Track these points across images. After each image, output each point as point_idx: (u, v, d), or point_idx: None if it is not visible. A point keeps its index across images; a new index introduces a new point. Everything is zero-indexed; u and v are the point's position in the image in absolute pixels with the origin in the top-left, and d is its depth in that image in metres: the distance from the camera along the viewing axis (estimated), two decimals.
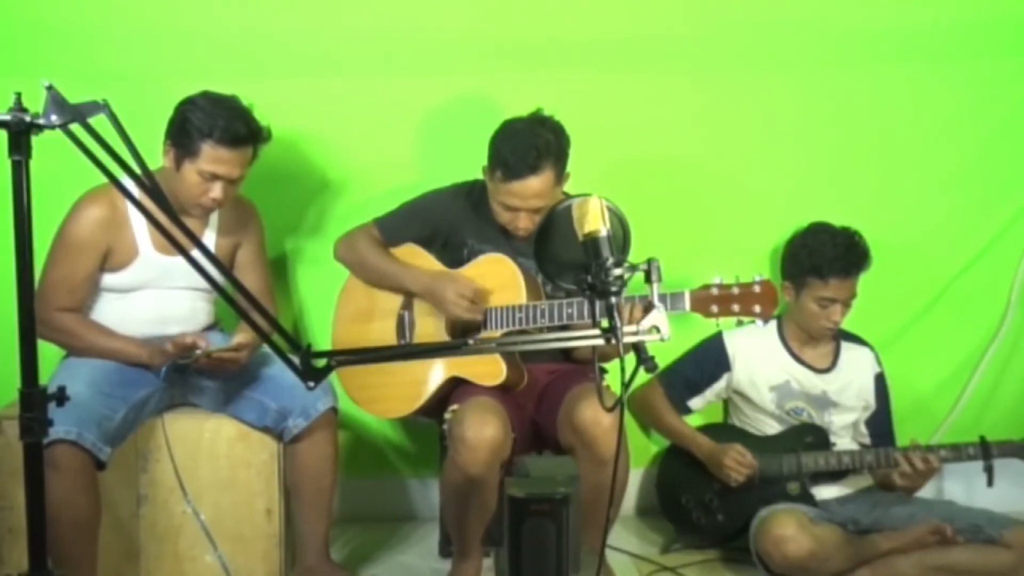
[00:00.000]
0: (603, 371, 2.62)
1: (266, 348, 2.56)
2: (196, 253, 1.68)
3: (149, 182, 1.70)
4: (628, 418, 3.22)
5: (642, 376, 1.62)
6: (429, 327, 2.75)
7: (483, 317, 2.63)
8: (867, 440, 3.02)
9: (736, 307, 2.43)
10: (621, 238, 1.71)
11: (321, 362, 1.66)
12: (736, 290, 2.44)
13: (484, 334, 2.64)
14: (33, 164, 1.65)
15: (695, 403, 3.12)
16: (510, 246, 2.71)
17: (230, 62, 2.99)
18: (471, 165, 2.74)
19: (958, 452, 2.83)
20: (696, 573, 2.92)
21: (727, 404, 3.17)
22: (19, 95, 1.62)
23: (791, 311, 3.01)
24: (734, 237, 3.18)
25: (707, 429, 3.09)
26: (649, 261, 1.65)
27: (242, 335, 2.61)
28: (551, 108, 2.66)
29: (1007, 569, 2.57)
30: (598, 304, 1.62)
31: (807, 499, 2.85)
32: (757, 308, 2.43)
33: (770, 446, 2.94)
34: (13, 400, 2.06)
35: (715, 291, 2.44)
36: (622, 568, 2.88)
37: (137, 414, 2.53)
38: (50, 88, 1.62)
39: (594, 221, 1.63)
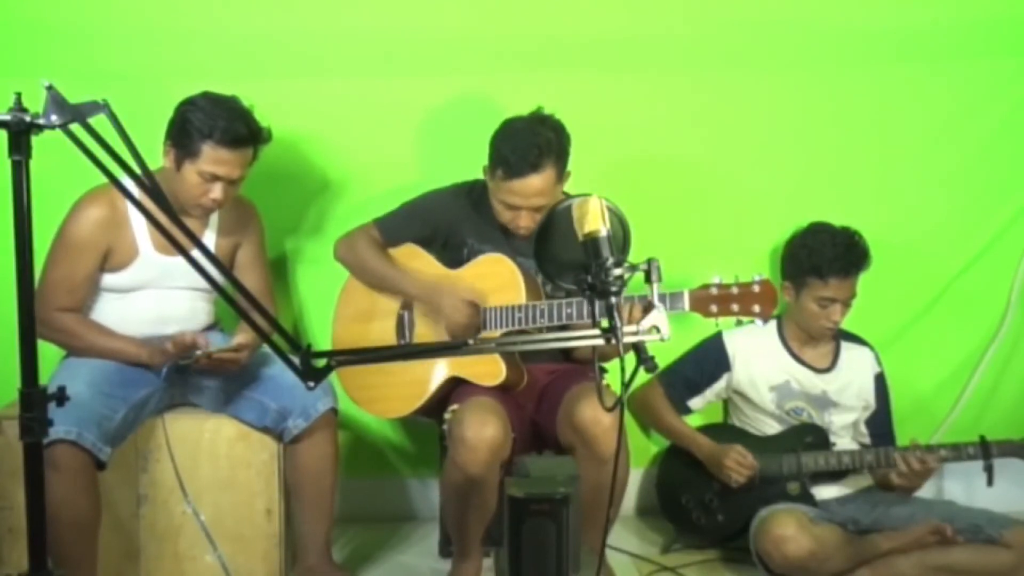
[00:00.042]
0: (603, 371, 2.63)
1: (266, 348, 2.56)
2: (196, 253, 1.68)
3: (149, 182, 1.70)
4: (628, 418, 3.22)
5: (642, 376, 1.62)
6: (429, 327, 2.75)
7: (479, 322, 2.63)
8: (867, 440, 3.02)
9: (735, 307, 2.43)
10: (621, 238, 1.71)
11: (321, 362, 1.66)
12: (735, 290, 2.44)
13: (484, 334, 2.64)
14: (33, 164, 1.65)
15: (695, 403, 3.12)
16: (510, 246, 2.71)
17: (230, 62, 2.99)
18: (471, 165, 2.74)
19: (958, 452, 2.83)
20: (696, 573, 2.92)
21: (727, 404, 3.17)
22: (19, 95, 1.62)
23: (791, 311, 3.01)
24: (734, 237, 3.18)
25: (707, 429, 3.09)
26: (649, 261, 1.65)
27: (242, 335, 2.61)
28: (551, 108, 2.66)
29: (1007, 569, 2.57)
30: (597, 304, 1.62)
31: (807, 499, 2.85)
32: (756, 308, 2.43)
33: (770, 446, 2.94)
34: (13, 400, 2.06)
35: (714, 291, 2.44)
36: (622, 568, 2.88)
37: (137, 414, 2.53)
38: (50, 88, 1.62)
39: (594, 221, 1.63)
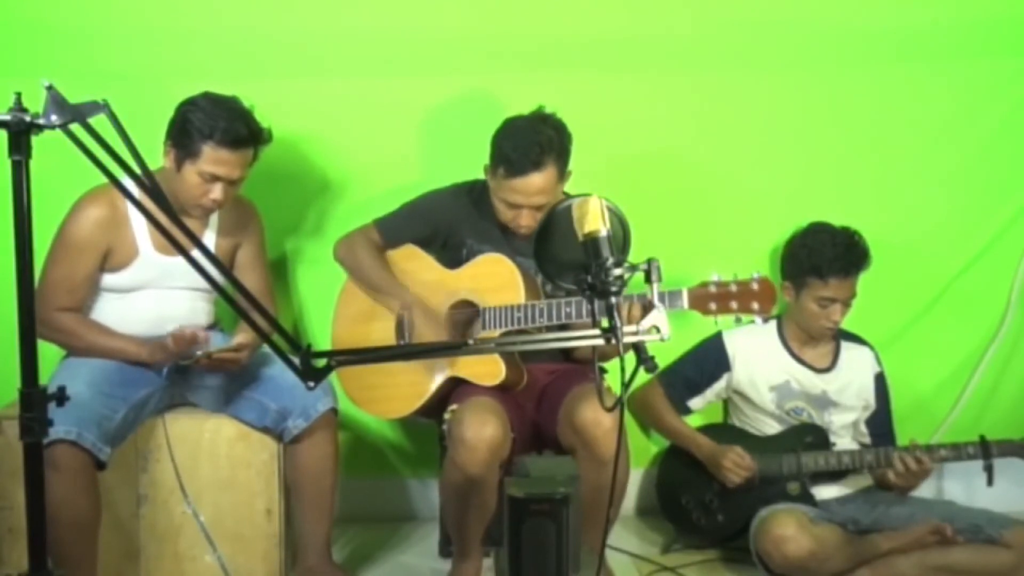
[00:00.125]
0: (603, 371, 2.63)
1: (266, 348, 2.56)
2: (196, 253, 1.68)
3: (149, 182, 1.70)
4: (628, 418, 3.22)
5: (642, 376, 1.62)
6: (429, 328, 2.74)
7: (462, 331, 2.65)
8: (867, 440, 3.02)
9: (734, 304, 2.44)
10: (621, 238, 1.71)
11: (321, 362, 1.66)
12: (734, 287, 2.44)
13: (483, 334, 2.64)
14: (33, 164, 1.65)
15: (695, 403, 3.12)
16: (509, 246, 2.71)
17: (230, 62, 2.99)
18: (472, 165, 2.74)
19: (958, 451, 2.83)
20: (696, 573, 2.92)
21: (727, 404, 3.17)
22: (19, 95, 1.62)
23: (791, 311, 3.01)
24: (734, 237, 3.18)
25: (707, 429, 3.09)
26: (649, 261, 1.65)
27: (242, 335, 2.61)
28: (551, 108, 2.67)
29: (1007, 569, 2.58)
30: (597, 304, 1.62)
31: (807, 499, 2.85)
32: (755, 305, 2.43)
33: (770, 446, 2.94)
34: (13, 400, 2.06)
35: (713, 289, 2.44)
36: (622, 568, 2.88)
37: (137, 414, 2.54)
38: (50, 88, 1.62)
39: (594, 221, 1.63)
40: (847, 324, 2.97)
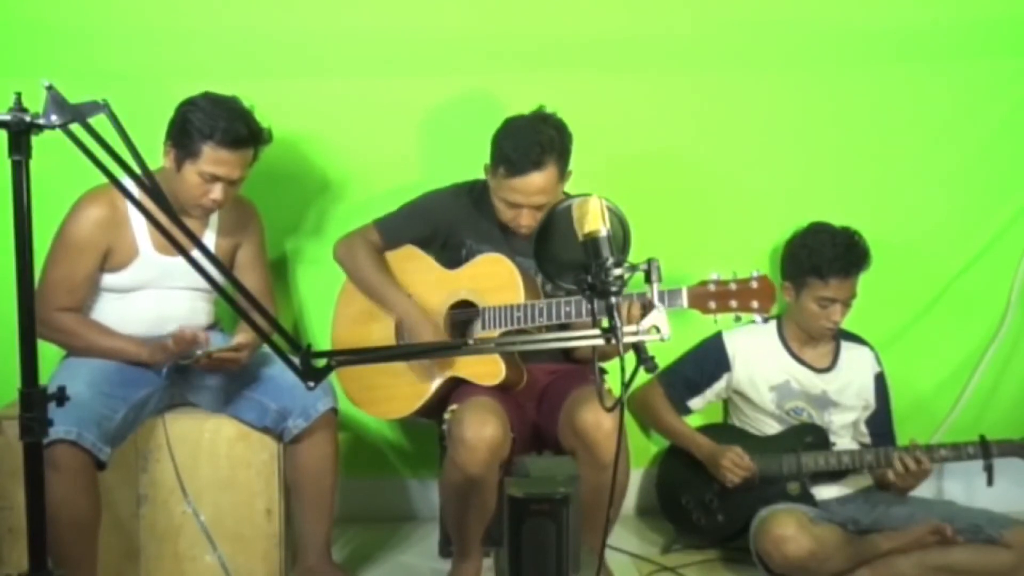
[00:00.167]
0: (603, 371, 2.62)
1: (266, 348, 2.56)
2: (196, 253, 1.68)
3: (149, 182, 1.70)
4: (628, 419, 3.22)
5: (642, 376, 1.62)
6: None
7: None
8: (867, 440, 3.02)
9: (734, 303, 2.44)
10: (621, 238, 1.71)
11: (321, 362, 1.66)
12: (733, 286, 2.44)
13: (482, 334, 2.64)
14: (33, 164, 1.65)
15: (695, 403, 3.12)
16: (509, 246, 2.71)
17: (230, 62, 2.99)
18: (472, 165, 2.74)
19: (958, 451, 2.83)
20: (696, 573, 2.92)
21: (727, 404, 3.17)
22: (19, 95, 1.62)
23: (791, 311, 3.01)
24: (734, 237, 3.18)
25: (707, 429, 3.09)
26: (649, 261, 1.65)
27: (242, 335, 2.61)
28: (552, 108, 2.66)
29: (1007, 569, 2.58)
30: (597, 303, 1.62)
31: (807, 499, 2.85)
32: (755, 304, 2.43)
33: (770, 446, 2.94)
34: (13, 400, 2.06)
35: (712, 287, 2.45)
36: (622, 568, 2.88)
37: (137, 414, 2.54)
38: (50, 88, 1.62)
39: (594, 221, 1.63)
40: (847, 324, 2.97)
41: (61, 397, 1.71)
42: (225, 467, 2.66)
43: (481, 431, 2.44)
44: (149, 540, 2.63)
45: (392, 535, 3.17)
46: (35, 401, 1.68)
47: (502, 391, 2.63)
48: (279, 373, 2.61)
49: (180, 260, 1.72)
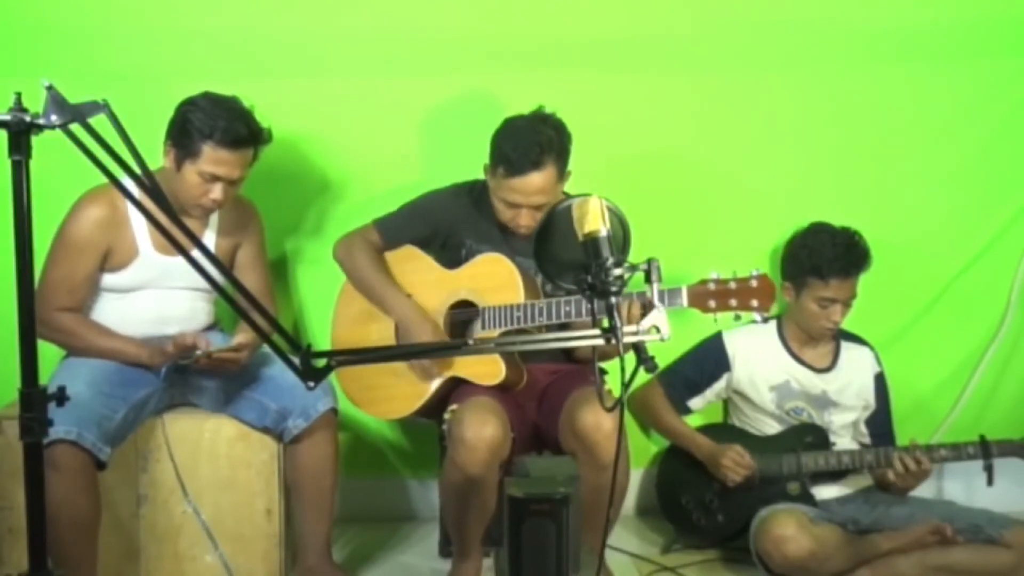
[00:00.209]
0: (603, 372, 2.62)
1: (266, 348, 2.56)
2: (196, 253, 1.68)
3: (149, 182, 1.70)
4: (628, 419, 3.22)
5: (642, 376, 1.62)
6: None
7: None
8: (867, 440, 3.02)
9: (733, 301, 2.44)
10: (621, 238, 1.71)
11: (321, 362, 1.66)
12: (733, 285, 2.44)
13: (482, 334, 2.64)
14: (33, 164, 1.65)
15: (695, 403, 3.12)
16: (509, 246, 2.71)
17: (230, 62, 2.99)
18: (472, 165, 2.74)
19: (958, 451, 2.83)
20: (696, 573, 2.92)
21: (727, 404, 3.17)
22: (19, 95, 1.62)
23: (791, 311, 3.01)
24: (734, 237, 3.18)
25: (707, 429, 3.09)
26: (649, 261, 1.66)
27: (242, 335, 2.61)
28: (552, 108, 2.66)
29: (1007, 569, 2.58)
30: (597, 303, 1.62)
31: (807, 499, 2.85)
32: (754, 302, 2.43)
33: (770, 446, 2.94)
34: (13, 400, 2.06)
35: (712, 286, 2.45)
36: (622, 568, 2.88)
37: (137, 414, 2.53)
38: (50, 88, 1.62)
39: (594, 221, 1.63)
40: (847, 324, 2.97)
41: (61, 397, 1.71)
42: (225, 467, 2.66)
43: (481, 431, 2.44)
44: (149, 540, 2.63)
45: (392, 535, 3.17)
46: (35, 401, 1.68)
47: (502, 391, 2.63)
48: (279, 373, 2.61)
49: (180, 260, 1.72)
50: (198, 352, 2.51)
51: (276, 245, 3.08)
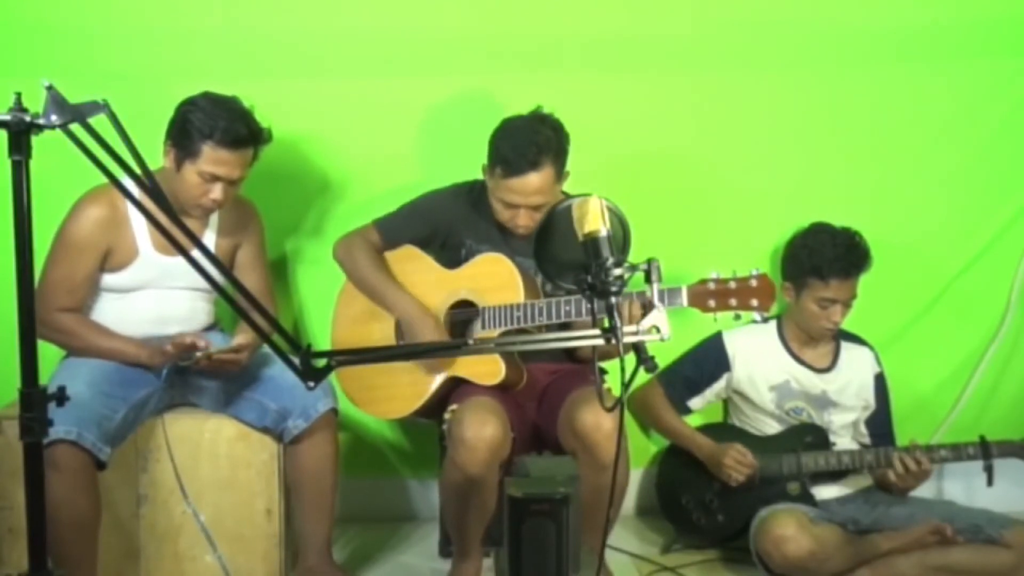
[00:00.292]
0: (603, 372, 2.62)
1: (266, 348, 2.56)
2: (196, 253, 1.67)
3: (149, 182, 1.70)
4: (628, 419, 3.22)
5: (642, 376, 1.62)
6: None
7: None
8: (867, 440, 3.02)
9: (733, 301, 2.44)
10: (621, 238, 1.71)
11: (321, 362, 1.66)
12: (733, 284, 2.44)
13: (482, 333, 2.64)
14: (33, 164, 1.65)
15: (695, 403, 3.12)
16: (508, 246, 2.71)
17: (230, 62, 2.99)
18: (472, 165, 2.74)
19: (958, 452, 2.83)
20: (696, 573, 2.92)
21: (727, 404, 3.17)
22: (19, 95, 1.62)
23: (791, 311, 3.01)
24: (734, 237, 3.18)
25: (707, 429, 3.09)
26: (649, 261, 1.66)
27: (242, 336, 2.62)
28: (551, 108, 2.67)
29: (1007, 569, 2.58)
30: (597, 303, 1.62)
31: (807, 499, 2.85)
32: (754, 302, 2.43)
33: (770, 446, 2.94)
34: (13, 400, 2.06)
35: (712, 286, 2.45)
36: (622, 568, 2.88)
37: (137, 414, 2.53)
38: (50, 88, 1.62)
39: (594, 221, 1.63)
40: (847, 324, 2.97)
41: (61, 397, 1.71)
42: (225, 467, 2.66)
43: (481, 431, 2.44)
44: (149, 540, 2.63)
45: (392, 535, 3.17)
46: (35, 401, 1.68)
47: (502, 391, 2.64)
48: (279, 373, 2.61)
49: (180, 260, 1.72)
50: (198, 353, 2.51)
51: (276, 245, 3.08)
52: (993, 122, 3.23)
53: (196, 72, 2.85)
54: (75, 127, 1.62)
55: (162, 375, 2.58)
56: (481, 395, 2.57)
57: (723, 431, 3.08)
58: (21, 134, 1.62)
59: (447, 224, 2.79)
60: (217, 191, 2.52)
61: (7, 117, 1.60)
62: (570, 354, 2.82)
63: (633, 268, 1.63)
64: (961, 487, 3.30)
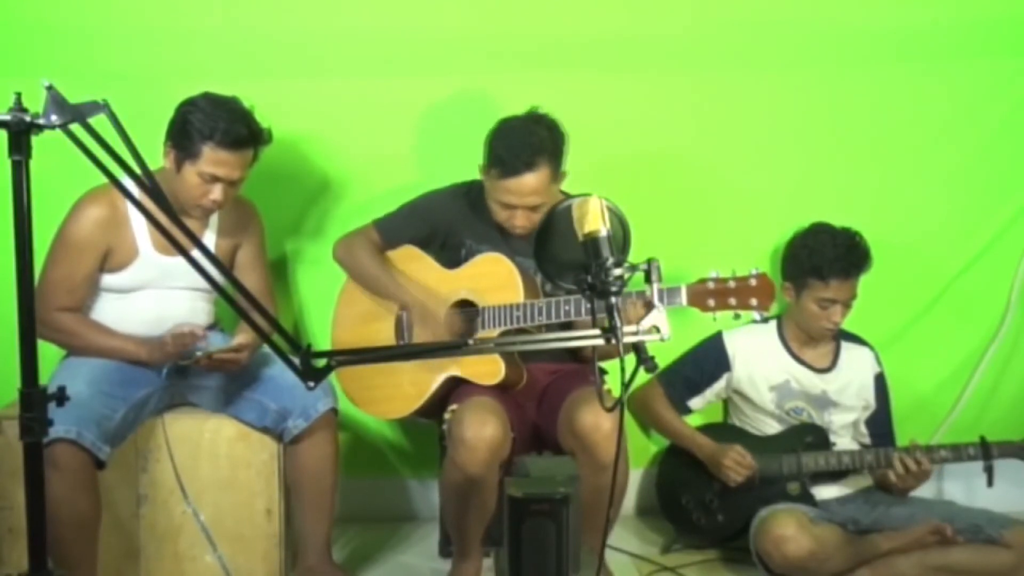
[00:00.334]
0: (603, 372, 2.62)
1: (266, 348, 2.56)
2: (196, 253, 1.67)
3: (149, 182, 1.70)
4: (628, 418, 3.22)
5: (642, 376, 1.62)
6: (427, 329, 2.74)
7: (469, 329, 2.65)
8: (867, 440, 3.02)
9: (733, 300, 2.43)
10: (621, 238, 1.71)
11: (321, 362, 1.66)
12: (732, 283, 2.44)
13: (482, 333, 2.64)
14: (33, 164, 1.65)
15: (695, 403, 3.12)
16: (508, 246, 2.71)
17: (230, 62, 2.99)
18: (471, 165, 2.74)
19: (958, 452, 2.83)
20: (696, 573, 2.92)
21: (727, 404, 3.17)
22: (19, 95, 1.62)
23: (791, 311, 3.01)
24: (734, 237, 3.18)
25: (707, 429, 3.09)
26: (649, 261, 1.65)
27: (242, 335, 2.61)
28: (551, 108, 2.66)
29: (1007, 569, 2.58)
30: (596, 303, 1.62)
31: (807, 499, 2.85)
32: (753, 301, 2.43)
33: (770, 446, 2.94)
34: (13, 400, 2.06)
35: (711, 285, 2.45)
36: (622, 568, 2.88)
37: (137, 414, 2.54)
38: (50, 88, 1.62)
39: (594, 221, 1.63)
40: (848, 324, 2.97)
41: (61, 397, 1.71)
42: (225, 467, 2.66)
43: (481, 431, 2.44)
44: (149, 540, 2.63)
45: (392, 535, 3.17)
46: (35, 401, 1.68)
47: (502, 391, 2.64)
48: (279, 373, 2.61)
49: (180, 260, 1.72)
50: (198, 352, 2.51)
51: (276, 245, 3.08)
52: (993, 122, 3.23)
53: (196, 72, 2.85)
54: (75, 127, 1.62)
55: (163, 373, 2.58)
56: (481, 395, 2.57)
57: (723, 431, 3.08)
58: (21, 134, 1.62)
59: (447, 224, 2.79)
60: (217, 192, 2.52)
61: (7, 117, 1.60)
62: (574, 353, 2.82)
63: (633, 268, 1.63)
64: (961, 487, 3.30)
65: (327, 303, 2.94)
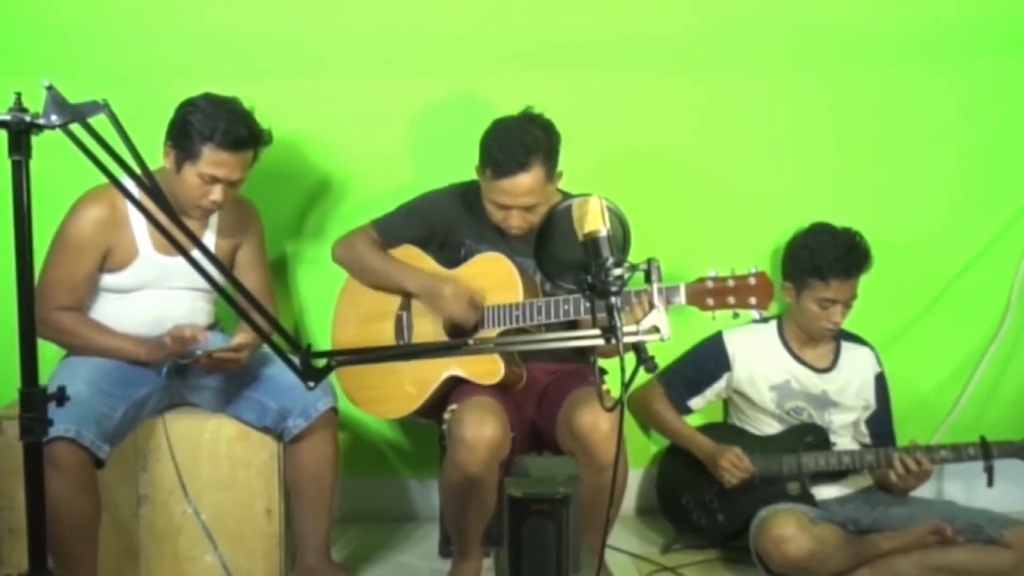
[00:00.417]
0: (603, 372, 2.62)
1: (266, 348, 2.56)
2: (196, 253, 1.67)
3: (149, 182, 1.70)
4: (628, 418, 3.22)
5: (642, 376, 1.62)
6: (427, 327, 2.75)
7: (480, 318, 2.64)
8: (867, 440, 3.02)
9: (732, 299, 2.43)
10: (621, 238, 1.71)
11: (321, 362, 1.66)
12: (731, 282, 2.44)
13: (482, 333, 2.64)
14: (33, 164, 1.65)
15: (695, 403, 3.12)
16: (507, 245, 2.71)
17: (230, 62, 2.99)
18: (470, 165, 2.73)
19: (958, 452, 2.83)
20: (696, 573, 2.92)
21: (727, 404, 3.17)
22: (19, 95, 1.62)
23: (791, 311, 3.01)
24: (734, 237, 3.18)
25: (707, 429, 3.09)
26: (649, 261, 1.66)
27: (242, 335, 2.61)
28: (550, 108, 2.66)
29: (1007, 569, 2.58)
30: (596, 303, 1.62)
31: (807, 499, 2.85)
32: (753, 300, 2.43)
33: (770, 446, 2.94)
34: (13, 400, 2.06)
35: (710, 284, 2.44)
36: (622, 568, 2.88)
37: (137, 413, 2.54)
38: (50, 88, 1.62)
39: (594, 221, 1.63)
40: (848, 324, 2.97)
41: (61, 397, 1.71)
42: (225, 467, 2.66)
43: (481, 431, 2.44)
44: (149, 540, 2.63)
45: (392, 535, 3.17)
46: (35, 401, 1.68)
47: (501, 390, 2.64)
48: (279, 373, 2.61)
49: (180, 260, 1.72)
50: (198, 351, 2.51)
51: (276, 245, 3.08)
52: (993, 122, 3.23)
53: (196, 72, 2.86)
54: (75, 127, 1.62)
55: (162, 372, 2.58)
56: (481, 395, 2.57)
57: (723, 431, 3.08)
58: (21, 134, 1.62)
59: (445, 224, 2.79)
60: (217, 192, 2.52)
61: (7, 117, 1.60)
62: (578, 351, 2.81)
63: (633, 268, 1.63)
64: (961, 487, 3.29)
65: (327, 303, 2.94)
